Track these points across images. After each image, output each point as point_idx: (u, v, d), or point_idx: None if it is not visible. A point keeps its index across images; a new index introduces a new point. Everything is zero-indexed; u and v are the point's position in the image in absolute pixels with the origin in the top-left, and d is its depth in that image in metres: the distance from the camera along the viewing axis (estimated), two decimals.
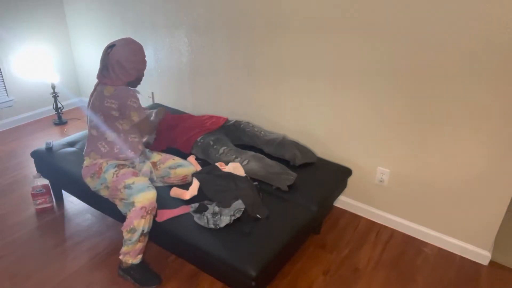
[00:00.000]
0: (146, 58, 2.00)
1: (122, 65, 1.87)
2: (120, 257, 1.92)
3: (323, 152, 2.55)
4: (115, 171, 1.92)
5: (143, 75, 2.03)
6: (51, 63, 3.74)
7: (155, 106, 3.10)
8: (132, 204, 1.83)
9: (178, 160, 2.16)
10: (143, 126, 2.01)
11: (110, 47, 1.89)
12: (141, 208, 1.80)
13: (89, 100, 2.00)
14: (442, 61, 1.93)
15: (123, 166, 1.97)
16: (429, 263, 2.18)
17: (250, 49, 2.61)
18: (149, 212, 1.82)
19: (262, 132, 2.46)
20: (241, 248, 1.69)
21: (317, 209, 2.01)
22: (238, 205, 1.85)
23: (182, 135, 2.43)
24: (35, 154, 2.47)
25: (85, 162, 2.03)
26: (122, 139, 1.99)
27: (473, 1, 1.75)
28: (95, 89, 1.98)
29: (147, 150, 2.20)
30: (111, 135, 1.96)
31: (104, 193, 1.98)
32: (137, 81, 2.01)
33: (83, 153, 2.05)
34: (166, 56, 3.14)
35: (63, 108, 3.83)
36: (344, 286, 2.01)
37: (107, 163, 1.96)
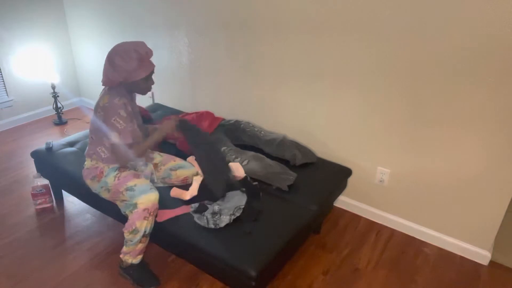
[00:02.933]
0: (143, 68, 1.78)
1: (112, 63, 1.76)
2: (121, 256, 1.92)
3: (323, 152, 2.55)
4: (117, 174, 1.91)
5: (145, 83, 1.84)
6: (51, 63, 3.73)
7: (155, 106, 3.10)
8: (135, 205, 1.82)
9: (179, 161, 2.16)
10: (118, 152, 1.82)
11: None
12: (144, 209, 1.80)
13: None
14: (442, 61, 1.93)
15: (124, 169, 1.96)
16: (429, 263, 2.18)
17: (250, 49, 2.61)
18: (151, 213, 1.82)
19: (262, 132, 2.46)
20: (241, 248, 1.69)
21: (317, 209, 2.01)
22: (238, 202, 1.85)
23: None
24: (35, 154, 2.47)
25: (86, 163, 2.02)
26: (120, 149, 1.86)
27: (473, 1, 1.75)
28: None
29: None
30: (108, 142, 1.88)
31: (105, 195, 1.98)
32: (137, 85, 1.83)
33: (85, 153, 2.04)
34: (166, 56, 3.14)
35: (63, 108, 3.83)
36: (344, 286, 2.01)
37: (108, 167, 1.94)
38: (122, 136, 1.80)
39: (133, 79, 1.79)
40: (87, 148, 2.02)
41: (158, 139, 1.94)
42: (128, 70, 1.76)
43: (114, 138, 1.80)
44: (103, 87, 1.92)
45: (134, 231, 1.81)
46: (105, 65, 1.81)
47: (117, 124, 1.78)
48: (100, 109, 1.83)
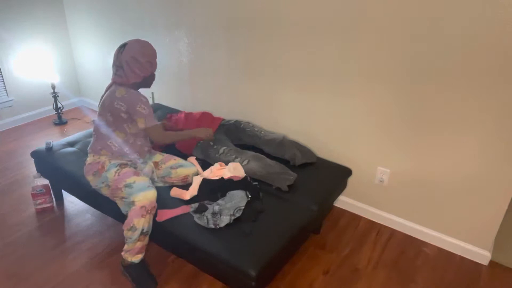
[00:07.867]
0: (155, 62, 1.99)
1: (137, 59, 1.89)
2: (122, 253, 1.93)
3: (323, 152, 2.55)
4: (117, 170, 1.93)
5: (154, 75, 2.04)
6: (51, 63, 3.74)
7: (155, 106, 3.10)
8: (132, 203, 1.83)
9: (179, 160, 2.17)
10: (152, 134, 1.96)
11: (122, 46, 1.92)
12: (141, 207, 1.81)
13: (100, 99, 2.01)
14: (441, 62, 1.93)
15: (125, 165, 1.97)
16: (429, 263, 2.18)
17: (250, 49, 2.61)
18: (149, 211, 1.82)
19: (262, 132, 2.46)
20: (241, 248, 1.69)
21: (317, 209, 2.01)
22: (238, 203, 1.85)
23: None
24: (35, 154, 2.47)
25: (88, 159, 2.04)
26: (130, 142, 2.00)
27: (471, 2, 1.76)
28: (107, 89, 1.99)
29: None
30: (119, 135, 1.98)
31: (105, 191, 1.99)
32: (151, 78, 2.02)
33: (88, 149, 2.05)
34: (166, 56, 3.14)
35: (63, 108, 3.83)
36: (344, 286, 2.01)
37: (109, 162, 1.96)
38: (148, 120, 1.92)
39: (154, 68, 1.99)
40: (92, 144, 2.04)
41: (186, 137, 2.10)
42: (152, 62, 1.95)
43: (141, 124, 1.92)
44: (108, 84, 2.01)
45: (132, 229, 1.82)
46: (128, 67, 1.90)
47: (142, 110, 1.90)
48: (119, 100, 1.89)
